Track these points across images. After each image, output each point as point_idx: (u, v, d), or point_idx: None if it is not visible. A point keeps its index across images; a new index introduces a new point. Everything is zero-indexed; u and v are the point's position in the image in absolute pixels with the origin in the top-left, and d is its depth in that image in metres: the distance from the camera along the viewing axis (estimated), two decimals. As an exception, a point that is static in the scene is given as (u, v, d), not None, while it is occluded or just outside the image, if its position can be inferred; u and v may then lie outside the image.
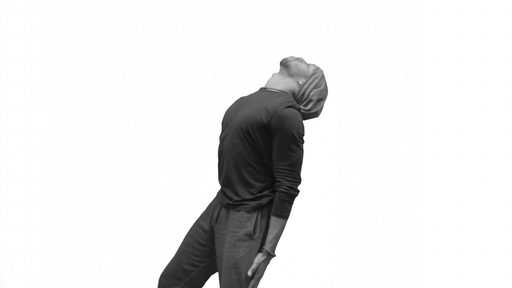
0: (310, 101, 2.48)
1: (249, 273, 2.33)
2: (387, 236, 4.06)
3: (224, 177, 2.42)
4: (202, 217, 2.53)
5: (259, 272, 2.35)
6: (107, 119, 4.10)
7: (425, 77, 4.05)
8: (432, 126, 4.04)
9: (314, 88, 2.49)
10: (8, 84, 4.08)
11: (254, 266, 2.33)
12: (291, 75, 2.47)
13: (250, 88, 4.10)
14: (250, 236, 2.35)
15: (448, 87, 4.04)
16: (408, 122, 4.04)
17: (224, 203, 2.43)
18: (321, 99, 2.50)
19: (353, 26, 4.06)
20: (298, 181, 2.38)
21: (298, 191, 2.39)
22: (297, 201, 4.08)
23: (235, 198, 2.39)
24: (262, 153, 2.35)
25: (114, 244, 4.10)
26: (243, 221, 2.37)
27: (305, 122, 4.14)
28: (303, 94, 2.48)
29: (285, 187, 2.34)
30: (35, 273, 4.08)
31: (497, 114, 4.00)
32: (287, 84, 2.48)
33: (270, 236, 2.34)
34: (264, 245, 2.35)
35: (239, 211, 2.37)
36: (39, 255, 4.09)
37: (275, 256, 2.37)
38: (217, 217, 2.44)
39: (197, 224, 2.52)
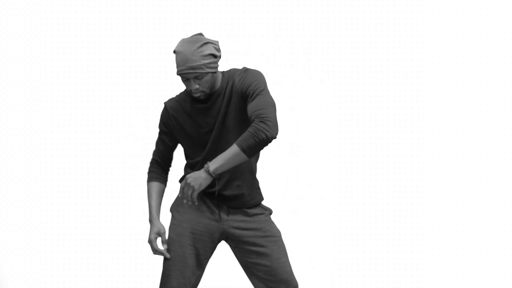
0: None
1: (188, 190, 2.32)
2: (387, 236, 4.06)
3: (227, 181, 2.49)
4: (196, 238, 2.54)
5: (195, 185, 2.30)
6: (107, 119, 4.10)
7: (425, 77, 4.05)
8: (432, 126, 4.04)
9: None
10: (8, 84, 4.08)
11: (193, 183, 2.31)
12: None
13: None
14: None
15: (448, 87, 4.04)
16: (408, 122, 4.05)
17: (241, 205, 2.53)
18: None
19: (353, 26, 4.07)
20: (271, 124, 2.33)
21: (268, 136, 2.31)
22: (297, 201, 4.08)
23: (251, 199, 2.53)
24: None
25: (114, 244, 4.10)
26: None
27: (305, 123, 4.16)
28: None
29: (255, 125, 2.30)
30: (35, 273, 4.09)
31: (497, 114, 4.01)
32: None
33: (220, 158, 2.30)
34: (210, 163, 2.31)
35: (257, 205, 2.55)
36: (39, 255, 4.09)
37: (213, 177, 2.31)
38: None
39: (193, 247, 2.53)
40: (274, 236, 2.53)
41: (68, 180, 4.09)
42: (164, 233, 2.48)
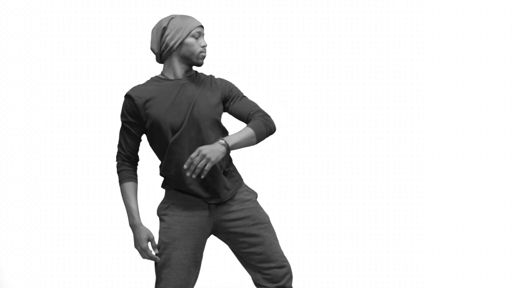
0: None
1: (204, 162, 2.28)
2: (387, 236, 4.06)
3: (204, 180, 2.45)
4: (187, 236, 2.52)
5: (212, 156, 2.28)
6: (107, 119, 4.10)
7: (425, 77, 4.05)
8: (432, 126, 4.04)
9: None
10: (8, 84, 4.09)
11: (210, 154, 2.29)
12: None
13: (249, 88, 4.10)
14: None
15: (448, 87, 4.04)
16: (408, 122, 4.04)
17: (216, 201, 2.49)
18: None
19: (353, 26, 4.06)
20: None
21: (272, 129, 2.47)
22: (296, 201, 4.08)
23: (227, 192, 2.50)
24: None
25: (114, 244, 4.10)
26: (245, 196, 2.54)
27: (305, 123, 4.16)
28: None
29: (264, 117, 2.44)
30: (35, 273, 4.09)
31: (497, 114, 4.00)
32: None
33: (236, 136, 2.34)
34: (225, 138, 2.33)
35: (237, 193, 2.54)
36: (39, 255, 4.09)
37: (228, 153, 2.33)
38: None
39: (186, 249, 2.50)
40: (263, 222, 2.53)
41: (68, 180, 4.09)
42: (153, 238, 2.45)
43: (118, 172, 2.53)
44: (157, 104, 2.43)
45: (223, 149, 2.29)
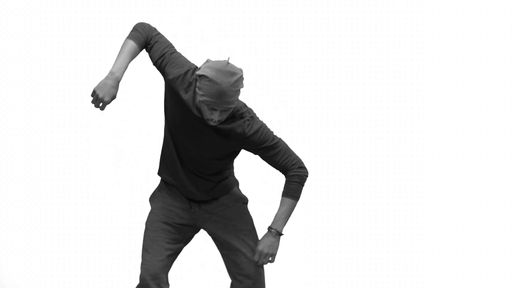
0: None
1: (270, 258, 2.48)
2: (387, 236, 4.05)
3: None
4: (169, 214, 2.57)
5: (273, 252, 2.47)
6: (106, 118, 4.10)
7: (425, 77, 4.05)
8: (432, 126, 4.04)
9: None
10: (8, 84, 4.08)
11: (271, 250, 2.46)
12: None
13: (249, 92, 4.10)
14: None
15: (448, 87, 4.03)
16: (408, 122, 4.04)
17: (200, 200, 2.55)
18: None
19: (353, 26, 4.06)
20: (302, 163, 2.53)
21: (307, 175, 2.54)
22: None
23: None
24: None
25: (114, 244, 4.10)
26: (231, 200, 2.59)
27: (305, 122, 4.15)
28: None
29: (298, 174, 2.49)
30: (35, 273, 4.08)
31: (497, 114, 4.00)
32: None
33: (283, 217, 2.47)
34: (275, 227, 2.46)
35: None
36: (39, 255, 4.09)
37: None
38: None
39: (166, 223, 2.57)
40: (243, 230, 2.56)
41: (68, 180, 4.09)
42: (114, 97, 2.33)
43: (132, 30, 2.42)
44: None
45: (277, 238, 2.47)
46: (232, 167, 2.59)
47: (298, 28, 4.07)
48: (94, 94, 2.25)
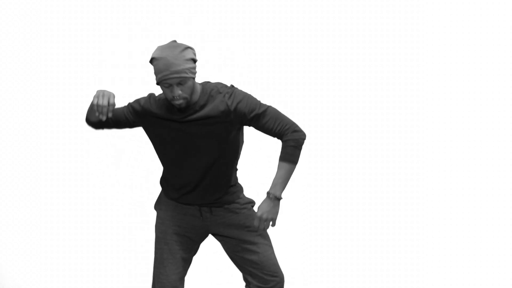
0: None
1: (270, 224, 2.44)
2: (387, 236, 4.06)
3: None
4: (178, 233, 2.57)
5: (273, 216, 2.43)
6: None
7: (425, 77, 4.05)
8: (432, 126, 4.04)
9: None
10: (8, 84, 4.09)
11: (271, 215, 2.42)
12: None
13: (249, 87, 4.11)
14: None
15: (448, 87, 4.04)
16: (408, 122, 4.05)
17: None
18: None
19: (353, 26, 4.06)
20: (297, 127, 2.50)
21: (304, 139, 2.50)
22: (295, 201, 4.08)
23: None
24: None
25: (114, 244, 4.10)
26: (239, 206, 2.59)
27: (305, 122, 4.15)
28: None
29: (293, 138, 2.46)
30: (35, 273, 4.09)
31: (497, 114, 4.01)
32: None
33: (280, 181, 2.43)
34: (273, 191, 2.42)
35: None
36: (39, 255, 4.09)
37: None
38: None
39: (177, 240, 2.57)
40: (255, 229, 2.57)
41: (68, 180, 4.10)
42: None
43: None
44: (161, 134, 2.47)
45: (276, 203, 2.42)
46: (236, 177, 2.60)
47: (298, 28, 4.07)
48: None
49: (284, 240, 4.08)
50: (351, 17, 4.06)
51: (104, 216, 4.09)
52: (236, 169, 2.58)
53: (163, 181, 2.54)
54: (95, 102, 2.28)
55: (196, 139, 2.40)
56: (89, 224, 4.09)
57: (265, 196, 4.04)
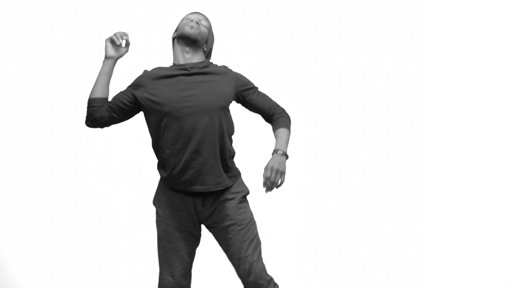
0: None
1: (278, 177, 2.42)
2: (387, 236, 4.06)
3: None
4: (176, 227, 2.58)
5: (283, 169, 2.43)
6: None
7: (425, 77, 4.05)
8: (432, 126, 4.04)
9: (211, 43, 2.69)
10: (8, 84, 4.09)
11: (281, 167, 2.41)
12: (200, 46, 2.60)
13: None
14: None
15: (448, 87, 4.04)
16: (408, 122, 4.05)
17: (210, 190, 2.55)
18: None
19: (353, 26, 4.07)
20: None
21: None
22: (296, 200, 4.08)
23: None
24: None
25: (114, 244, 4.10)
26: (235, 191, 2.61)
27: (305, 122, 4.15)
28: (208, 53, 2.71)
29: (285, 115, 2.60)
30: (35, 273, 4.09)
31: (497, 114, 4.01)
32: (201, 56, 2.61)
33: (284, 140, 2.50)
34: (279, 148, 2.46)
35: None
36: (39, 255, 4.09)
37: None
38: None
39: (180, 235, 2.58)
40: (239, 224, 2.55)
41: (68, 180, 4.10)
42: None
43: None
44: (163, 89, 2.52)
45: (284, 158, 2.44)
46: (233, 161, 2.61)
47: (298, 28, 4.08)
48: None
49: (284, 240, 4.08)
50: (351, 17, 4.06)
51: (104, 216, 4.09)
52: (233, 154, 2.58)
53: (160, 167, 2.55)
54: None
55: (196, 88, 2.44)
56: (89, 224, 4.09)
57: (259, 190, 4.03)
